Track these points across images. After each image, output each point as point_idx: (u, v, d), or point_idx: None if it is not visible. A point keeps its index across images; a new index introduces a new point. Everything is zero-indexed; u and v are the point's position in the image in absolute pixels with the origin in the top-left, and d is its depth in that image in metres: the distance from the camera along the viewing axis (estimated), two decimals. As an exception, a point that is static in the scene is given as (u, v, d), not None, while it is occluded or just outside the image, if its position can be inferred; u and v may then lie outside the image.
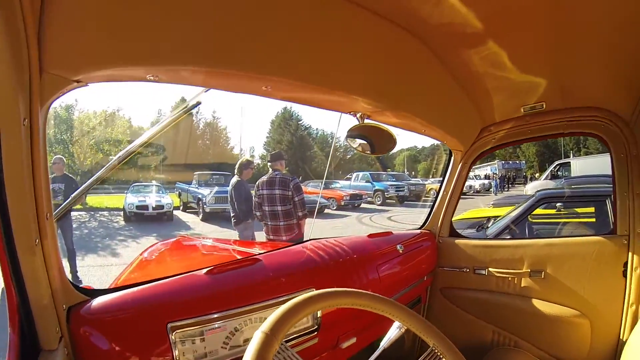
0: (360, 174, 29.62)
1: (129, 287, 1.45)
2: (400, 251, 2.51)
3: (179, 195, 22.33)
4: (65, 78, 1.05)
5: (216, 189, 17.99)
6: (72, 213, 9.93)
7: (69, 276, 2.24)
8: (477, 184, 35.00)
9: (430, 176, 44.91)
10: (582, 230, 6.35)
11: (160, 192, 19.71)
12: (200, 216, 18.33)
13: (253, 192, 5.99)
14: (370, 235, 2.52)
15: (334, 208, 22.44)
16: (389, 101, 1.84)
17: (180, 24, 1.09)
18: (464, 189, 3.03)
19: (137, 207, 17.23)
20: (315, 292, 1.17)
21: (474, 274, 2.79)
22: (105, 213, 19.91)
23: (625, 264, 2.24)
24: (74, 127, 32.89)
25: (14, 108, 0.89)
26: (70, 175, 8.05)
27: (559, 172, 20.78)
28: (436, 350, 1.27)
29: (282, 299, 1.67)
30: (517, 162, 49.26)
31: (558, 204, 7.11)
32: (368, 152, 1.92)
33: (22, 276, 1.00)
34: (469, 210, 10.76)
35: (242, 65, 1.26)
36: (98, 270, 8.89)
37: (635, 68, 1.86)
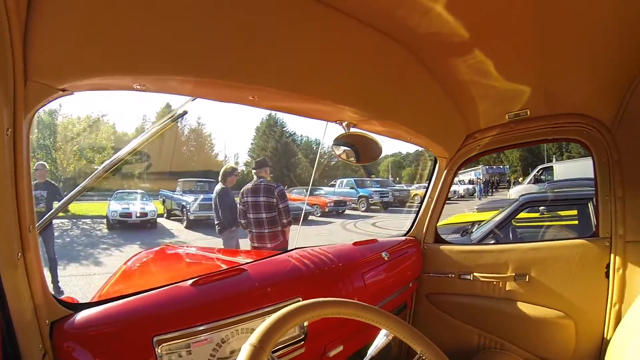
0: (345, 180, 29.62)
1: (114, 300, 1.43)
2: (386, 258, 2.52)
3: (163, 202, 22.17)
4: (51, 87, 1.03)
5: (201, 197, 17.87)
6: (54, 221, 9.79)
7: (51, 287, 2.21)
8: (461, 189, 35.26)
9: (415, 182, 45.07)
10: (565, 233, 6.43)
11: (144, 199, 19.47)
12: (185, 223, 18.18)
13: (237, 200, 5.97)
14: (355, 243, 2.52)
15: (318, 215, 22.45)
16: (376, 110, 1.85)
17: (168, 34, 1.08)
18: (448, 194, 3.05)
19: (121, 214, 17.01)
20: (302, 302, 1.16)
21: (459, 279, 2.81)
22: (88, 221, 19.58)
23: (608, 266, 2.28)
24: (57, 132, 32.43)
25: None
26: (53, 182, 7.94)
27: (542, 176, 21.03)
28: (423, 357, 1.27)
29: (268, 309, 1.66)
30: (501, 166, 49.71)
31: (541, 208, 7.20)
32: (354, 160, 1.92)
33: (3, 291, 0.97)
34: (454, 215, 10.81)
35: (229, 75, 1.26)
36: (80, 280, 8.74)
37: (615, 75, 1.91)
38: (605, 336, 2.29)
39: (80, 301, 1.54)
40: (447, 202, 3.03)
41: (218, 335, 1.51)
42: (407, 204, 27.90)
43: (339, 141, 1.88)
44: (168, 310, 1.45)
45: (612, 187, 2.28)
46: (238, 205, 5.93)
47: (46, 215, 1.87)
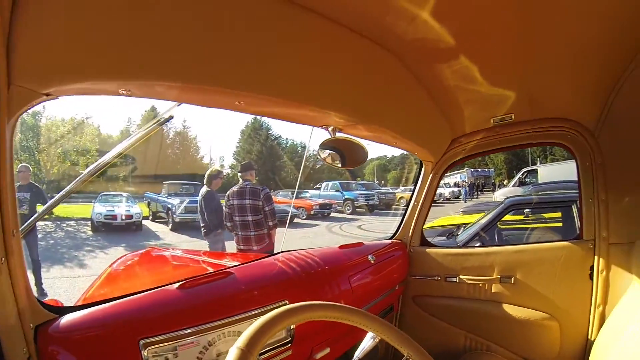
0: (330, 183, 29.62)
1: (99, 304, 1.41)
2: (372, 261, 2.53)
3: (148, 204, 21.98)
4: (35, 91, 1.02)
5: (187, 200, 17.77)
6: (38, 223, 9.68)
7: (34, 289, 2.18)
8: (446, 191, 35.37)
9: (400, 185, 45.19)
10: (550, 235, 6.50)
11: (129, 201, 19.29)
12: (170, 226, 18.07)
13: (223, 203, 5.94)
14: (341, 247, 2.53)
15: (304, 217, 22.43)
16: (362, 115, 1.86)
17: (154, 40, 1.08)
18: (434, 197, 3.07)
19: (106, 216, 16.83)
20: (289, 306, 1.16)
21: (446, 281, 2.82)
22: (72, 223, 19.39)
23: (592, 267, 2.31)
24: (40, 134, 32.00)
25: None
26: (36, 184, 7.86)
27: (526, 179, 21.23)
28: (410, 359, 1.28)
29: (255, 312, 1.66)
30: (486, 169, 49.99)
31: (526, 210, 7.24)
32: (339, 164, 1.92)
33: None
34: (440, 218, 10.86)
35: (215, 81, 1.26)
36: (64, 282, 8.66)
37: (598, 80, 1.94)
38: (589, 337, 2.31)
39: (65, 304, 1.52)
40: (432, 204, 3.05)
41: (205, 338, 1.50)
42: (393, 206, 27.97)
43: (324, 145, 1.89)
44: (154, 314, 1.44)
45: (596, 190, 2.31)
46: (224, 208, 5.94)
47: (30, 219, 1.85)
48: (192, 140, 57.54)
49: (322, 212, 23.66)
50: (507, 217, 6.95)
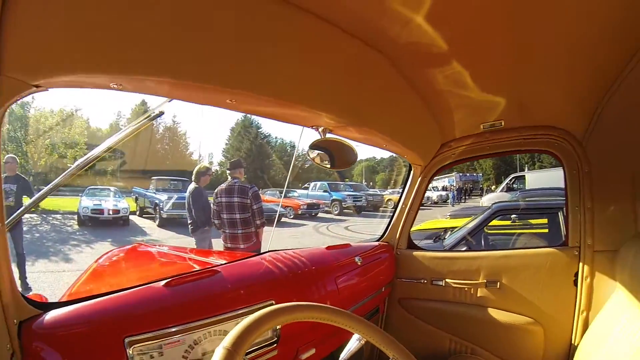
0: (318, 183, 29.70)
1: (84, 300, 1.40)
2: (359, 263, 2.53)
3: (136, 199, 21.86)
4: (24, 82, 1.00)
5: (175, 196, 17.66)
6: (23, 216, 9.58)
7: (18, 283, 2.16)
8: (434, 195, 35.55)
9: (388, 187, 45.28)
10: (536, 241, 6.53)
11: (117, 196, 19.11)
12: (157, 222, 18.00)
13: (211, 200, 5.94)
14: (328, 248, 2.53)
15: (291, 217, 22.44)
16: (352, 117, 1.86)
17: (146, 34, 1.07)
18: (422, 200, 3.08)
19: (92, 210, 16.67)
20: (276, 306, 1.16)
21: (432, 284, 2.84)
22: (59, 216, 19.22)
23: (576, 274, 2.35)
24: (29, 125, 31.59)
25: None
26: (23, 176, 7.75)
27: (514, 185, 21.36)
28: None
29: (241, 312, 1.65)
30: (474, 174, 50.35)
31: (513, 216, 7.30)
32: (328, 165, 1.92)
33: None
34: (427, 221, 10.90)
35: (207, 78, 1.25)
36: (49, 276, 8.59)
37: (587, 90, 1.96)
38: (573, 342, 2.34)
39: (49, 298, 1.51)
40: (420, 208, 3.07)
41: (190, 337, 1.49)
42: (381, 208, 28.02)
43: (314, 146, 1.89)
44: (140, 311, 1.43)
45: (582, 198, 2.34)
46: (212, 205, 5.91)
47: (16, 213, 1.83)
48: (182, 136, 57.45)
49: (310, 212, 23.71)
50: (494, 222, 6.99)
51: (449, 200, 35.20)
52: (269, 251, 2.28)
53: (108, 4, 0.99)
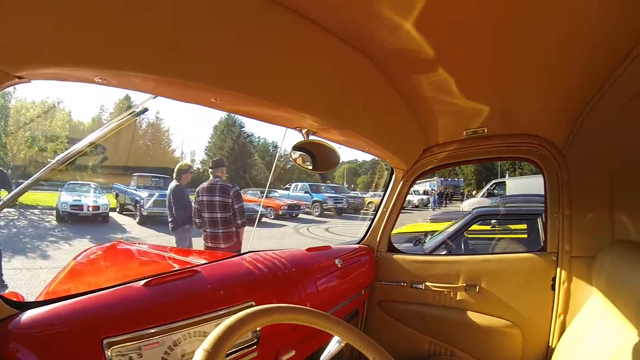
0: (300, 184, 29.70)
1: (62, 300, 1.37)
2: (339, 265, 2.54)
3: (116, 196, 21.56)
4: (7, 73, 0.98)
5: (157, 193, 17.50)
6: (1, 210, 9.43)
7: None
8: (415, 199, 35.76)
9: (370, 190, 45.40)
10: (515, 246, 6.61)
11: (97, 192, 18.88)
12: (137, 219, 17.78)
13: (192, 198, 5.89)
14: (309, 249, 2.53)
15: (272, 217, 22.42)
16: (336, 119, 1.86)
17: (133, 30, 1.06)
18: (404, 204, 3.10)
19: (72, 206, 16.37)
20: (256, 308, 1.16)
21: (412, 288, 2.86)
22: (37, 211, 18.88)
23: (554, 279, 2.40)
24: (8, 116, 31.01)
25: None
26: (1, 169, 7.64)
27: (495, 191, 21.52)
28: None
29: (221, 313, 1.64)
30: (456, 179, 50.79)
31: (493, 221, 7.36)
32: (310, 166, 1.92)
33: None
34: (407, 224, 10.95)
35: (192, 76, 1.24)
36: (26, 274, 8.44)
37: (569, 100, 2.00)
38: (550, 345, 2.39)
39: (25, 296, 1.49)
40: (401, 211, 3.08)
41: (170, 338, 1.48)
42: (361, 211, 28.13)
43: (297, 147, 1.88)
44: (119, 311, 1.41)
45: (561, 206, 2.39)
46: (193, 204, 5.88)
47: None
48: (165, 132, 57.00)
49: (291, 213, 23.73)
50: (474, 226, 7.04)
51: (429, 204, 35.44)
52: (249, 252, 2.27)
53: None
